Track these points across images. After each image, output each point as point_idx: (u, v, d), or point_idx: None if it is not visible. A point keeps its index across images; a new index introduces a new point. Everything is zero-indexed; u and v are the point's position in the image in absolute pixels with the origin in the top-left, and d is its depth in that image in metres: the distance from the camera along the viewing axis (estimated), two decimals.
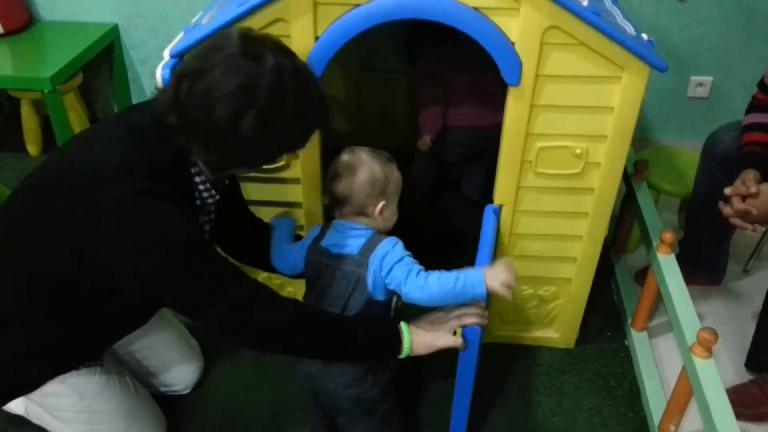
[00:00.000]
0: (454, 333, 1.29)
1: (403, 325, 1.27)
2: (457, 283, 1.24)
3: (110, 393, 1.42)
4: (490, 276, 1.25)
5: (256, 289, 1.19)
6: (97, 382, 1.40)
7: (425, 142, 1.93)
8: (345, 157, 1.28)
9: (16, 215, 1.25)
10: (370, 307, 1.29)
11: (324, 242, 1.33)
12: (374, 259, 1.26)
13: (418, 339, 1.26)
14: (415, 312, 1.32)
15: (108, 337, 1.43)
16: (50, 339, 1.29)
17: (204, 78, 1.03)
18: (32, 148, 2.69)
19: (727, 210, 1.54)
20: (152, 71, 2.77)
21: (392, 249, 1.27)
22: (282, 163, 1.53)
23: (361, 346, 1.27)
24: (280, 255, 1.43)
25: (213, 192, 1.26)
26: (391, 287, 1.27)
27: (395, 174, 1.31)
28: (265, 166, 1.24)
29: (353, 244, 1.29)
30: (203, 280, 1.13)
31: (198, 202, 1.26)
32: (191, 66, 1.06)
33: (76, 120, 2.65)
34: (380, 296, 1.29)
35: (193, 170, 1.21)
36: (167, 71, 1.37)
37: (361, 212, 1.29)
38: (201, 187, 1.24)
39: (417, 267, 1.26)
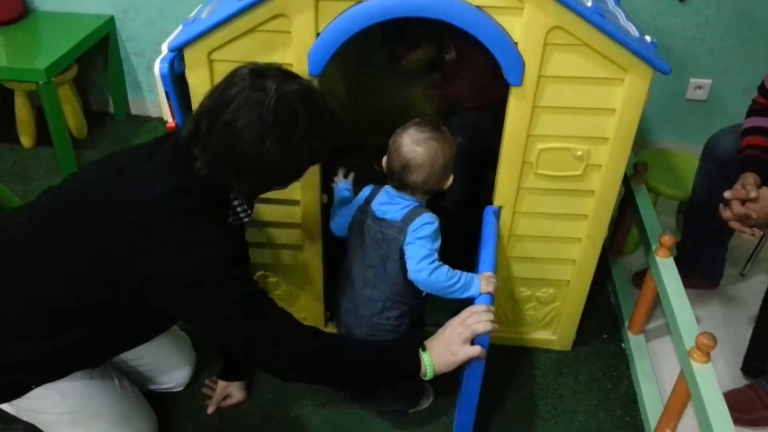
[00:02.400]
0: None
1: (423, 354, 1.29)
2: (459, 282, 1.35)
3: (94, 393, 1.40)
4: (482, 279, 1.38)
5: (282, 313, 1.24)
6: (80, 382, 1.38)
7: None
8: (419, 149, 1.31)
9: (47, 224, 1.26)
10: (404, 277, 1.37)
11: (373, 204, 1.41)
12: (412, 225, 1.34)
13: (439, 360, 1.28)
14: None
15: (115, 350, 1.43)
16: (55, 348, 1.27)
17: (221, 116, 1.11)
18: (26, 140, 2.67)
19: (726, 213, 1.53)
20: (148, 65, 2.77)
21: (426, 225, 1.34)
22: None
23: (380, 376, 1.36)
24: (335, 216, 1.52)
25: (249, 212, 1.35)
26: (405, 256, 1.35)
27: (452, 143, 1.37)
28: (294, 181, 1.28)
29: (398, 211, 1.37)
30: (234, 297, 1.17)
31: (230, 220, 1.32)
32: (209, 105, 1.15)
33: (71, 112, 2.63)
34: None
35: (231, 194, 1.28)
36: (165, 65, 1.36)
37: (429, 192, 1.38)
38: (239, 209, 1.32)
39: (435, 255, 1.34)
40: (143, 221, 1.15)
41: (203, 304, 1.17)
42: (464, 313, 1.31)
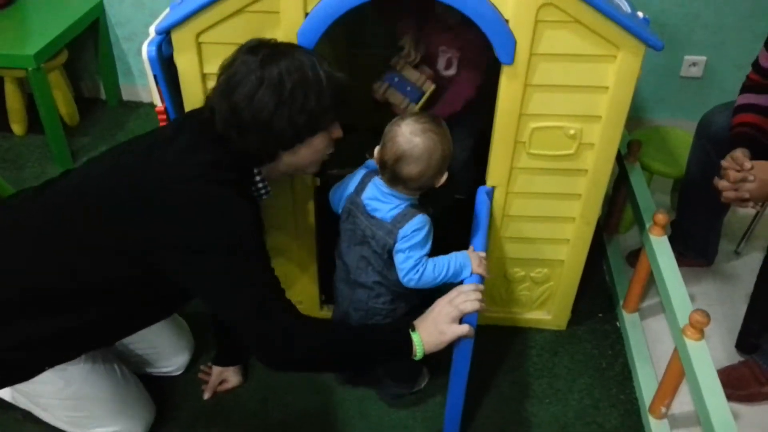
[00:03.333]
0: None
1: (412, 334, 1.29)
2: (449, 272, 1.35)
3: (95, 379, 1.41)
4: (473, 258, 1.37)
5: (288, 301, 1.26)
6: (83, 368, 1.39)
7: None
8: (417, 140, 1.28)
9: (75, 206, 1.27)
10: (393, 275, 1.37)
11: (364, 196, 1.38)
12: (402, 231, 1.32)
13: (428, 339, 1.29)
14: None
15: (131, 328, 1.44)
16: (74, 326, 1.29)
17: (239, 91, 1.20)
18: (17, 128, 2.64)
19: (722, 183, 1.51)
20: (138, 49, 2.71)
21: (416, 231, 1.32)
22: None
23: (375, 360, 1.42)
24: (335, 192, 1.49)
25: (268, 188, 1.37)
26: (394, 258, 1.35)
27: (450, 137, 1.33)
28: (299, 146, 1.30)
29: (389, 210, 1.34)
30: (256, 271, 1.22)
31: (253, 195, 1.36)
32: (220, 82, 1.25)
33: (62, 99, 2.61)
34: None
35: (255, 170, 1.32)
36: (153, 48, 1.35)
37: (420, 189, 1.34)
38: (260, 184, 1.35)
39: (420, 264, 1.34)
40: (181, 194, 1.20)
41: (225, 273, 1.20)
42: (452, 293, 1.31)
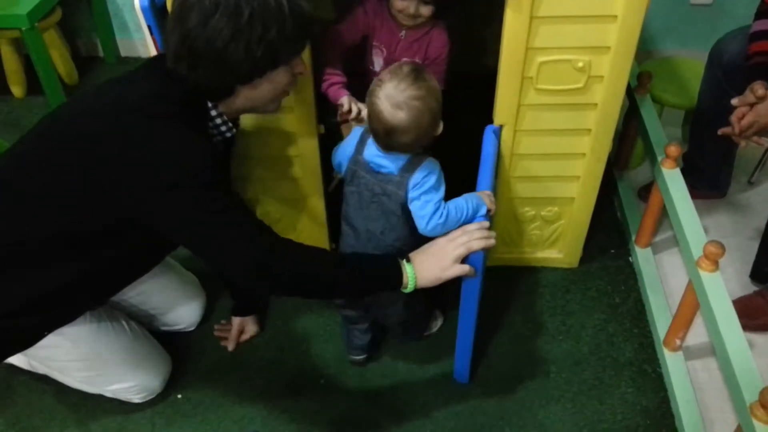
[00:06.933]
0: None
1: (406, 264, 1.26)
2: (468, 212, 1.31)
3: (104, 337, 1.41)
4: (482, 197, 1.34)
5: (260, 224, 1.22)
6: (89, 328, 1.39)
7: None
8: (401, 114, 1.20)
9: (38, 153, 1.23)
10: (410, 228, 1.32)
11: (365, 154, 1.32)
12: (412, 180, 1.27)
13: (423, 274, 1.26)
14: None
15: (117, 283, 1.41)
16: (57, 284, 1.26)
17: (192, 17, 1.11)
18: (16, 90, 2.62)
19: (733, 118, 1.49)
20: (132, 3, 2.67)
21: (427, 177, 1.27)
22: None
23: (363, 288, 1.32)
24: (336, 154, 1.43)
25: (230, 124, 1.27)
26: (410, 211, 1.30)
27: (436, 83, 1.25)
28: (271, 75, 1.22)
29: (393, 162, 1.28)
30: (213, 205, 1.15)
31: (213, 134, 1.27)
32: (179, 10, 1.14)
33: (59, 58, 2.57)
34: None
35: (209, 104, 1.23)
36: (145, 1, 1.31)
37: (422, 146, 1.28)
38: (218, 120, 1.26)
39: (442, 207, 1.28)
40: (122, 130, 1.14)
41: (183, 210, 1.15)
42: (456, 232, 1.29)
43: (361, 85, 1.62)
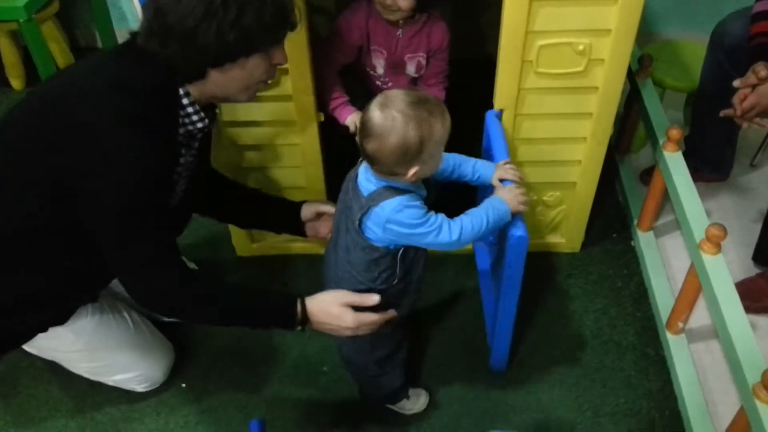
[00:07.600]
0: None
1: (299, 302, 1.22)
2: (489, 220, 1.22)
3: (105, 329, 1.41)
4: (509, 200, 1.26)
5: (179, 258, 1.20)
6: (91, 319, 1.39)
7: None
8: (376, 114, 1.08)
9: (9, 141, 1.20)
10: (370, 254, 1.20)
11: (360, 167, 1.21)
12: (374, 212, 1.15)
13: (317, 319, 1.22)
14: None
15: (99, 277, 1.36)
16: (41, 285, 1.26)
17: None
18: (15, 82, 2.61)
19: (735, 99, 1.48)
20: None
21: (398, 215, 1.14)
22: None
23: (253, 321, 1.28)
24: None
25: (202, 115, 1.21)
26: (408, 245, 1.21)
27: (437, 130, 1.09)
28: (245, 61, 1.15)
29: (368, 186, 1.17)
30: (143, 219, 1.13)
31: (183, 129, 1.21)
32: None
33: (57, 50, 2.56)
34: (379, 243, 1.19)
35: (181, 91, 1.17)
36: None
37: (392, 174, 1.14)
38: (190, 109, 1.19)
39: (440, 222, 1.17)
40: (83, 120, 1.10)
41: (112, 217, 1.13)
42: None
43: (363, 91, 1.65)
